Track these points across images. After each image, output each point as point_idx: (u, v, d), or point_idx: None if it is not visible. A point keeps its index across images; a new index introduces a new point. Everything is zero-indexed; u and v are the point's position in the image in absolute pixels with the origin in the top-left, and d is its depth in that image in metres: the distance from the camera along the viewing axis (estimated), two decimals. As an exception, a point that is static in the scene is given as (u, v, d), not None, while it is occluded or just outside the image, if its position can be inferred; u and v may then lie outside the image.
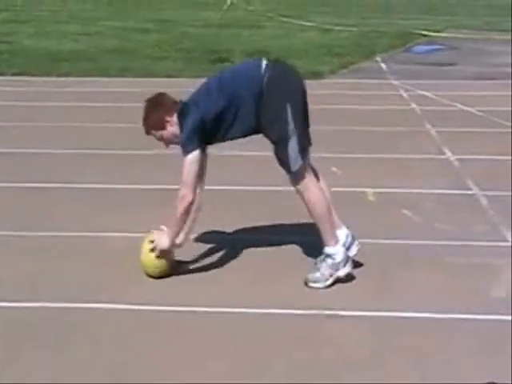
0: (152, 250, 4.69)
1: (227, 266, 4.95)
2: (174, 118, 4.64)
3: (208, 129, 4.57)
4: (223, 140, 4.75)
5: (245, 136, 4.76)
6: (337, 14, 21.83)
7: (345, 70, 13.03)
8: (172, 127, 4.66)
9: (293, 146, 4.52)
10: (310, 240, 5.05)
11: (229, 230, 5.54)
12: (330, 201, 4.80)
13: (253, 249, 5.20)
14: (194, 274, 4.83)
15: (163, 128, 4.67)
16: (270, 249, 5.21)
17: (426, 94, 10.74)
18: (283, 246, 5.24)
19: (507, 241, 5.38)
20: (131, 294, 4.53)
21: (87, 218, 5.81)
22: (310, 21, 19.13)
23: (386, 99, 10.48)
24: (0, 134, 8.50)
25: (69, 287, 4.62)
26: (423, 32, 17.43)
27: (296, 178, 4.59)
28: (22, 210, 6.03)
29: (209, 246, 5.24)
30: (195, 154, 4.53)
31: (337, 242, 4.67)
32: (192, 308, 4.36)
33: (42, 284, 4.68)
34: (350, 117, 9.22)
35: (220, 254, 5.14)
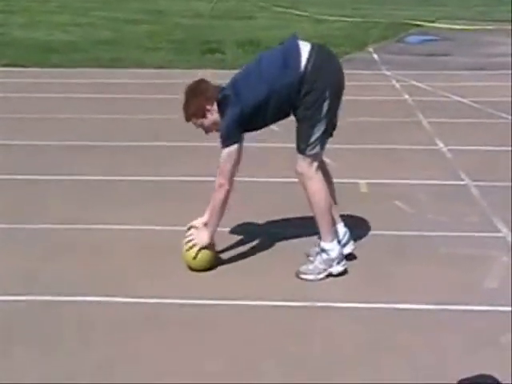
0: (191, 247, 4.64)
1: (217, 258, 4.93)
2: (215, 107, 4.61)
3: (247, 119, 4.54)
4: (260, 128, 4.73)
5: (277, 121, 4.72)
6: (330, 4, 21.77)
7: (337, 61, 13.00)
8: (212, 116, 4.63)
9: (318, 130, 4.50)
10: (305, 233, 5.05)
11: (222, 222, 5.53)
12: (333, 197, 4.78)
13: (243, 241, 5.18)
14: (184, 267, 4.81)
15: (204, 116, 4.64)
16: (260, 241, 5.19)
17: (419, 84, 10.72)
18: (275, 238, 5.22)
19: (499, 231, 5.37)
20: (126, 288, 4.52)
21: (80, 210, 5.78)
22: (303, 11, 19.10)
23: (378, 90, 10.47)
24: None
25: (61, 281, 4.60)
26: (416, 22, 17.40)
27: (305, 162, 4.55)
28: (13, 202, 6.00)
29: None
30: (235, 148, 4.53)
31: (333, 238, 4.65)
32: (183, 301, 4.35)
33: (33, 277, 4.65)
34: (343, 107, 9.16)
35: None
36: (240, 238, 5.22)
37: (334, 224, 4.72)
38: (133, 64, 12.26)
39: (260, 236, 5.25)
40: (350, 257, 4.82)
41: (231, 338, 3.96)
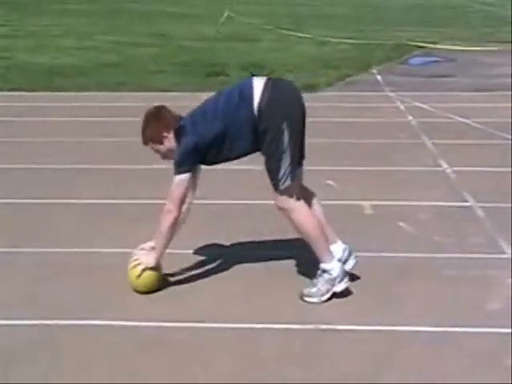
0: (137, 266, 4.68)
1: (218, 280, 4.95)
2: (172, 135, 4.67)
3: (203, 152, 4.61)
4: (217, 162, 4.79)
5: (239, 158, 4.78)
6: (333, 26, 21.87)
7: (341, 83, 13.03)
8: (169, 143, 4.69)
9: (285, 164, 4.53)
10: (303, 255, 5.04)
11: (219, 244, 5.54)
12: (322, 217, 4.79)
13: (243, 263, 5.19)
14: (183, 288, 4.82)
15: (161, 142, 4.70)
16: (260, 263, 5.20)
17: (423, 105, 10.74)
18: (274, 261, 5.23)
19: (504, 253, 5.36)
20: (129, 312, 4.52)
21: (85, 233, 5.79)
22: (307, 33, 19.18)
23: (382, 111, 10.48)
24: (-4, 149, 8.48)
25: (64, 304, 4.61)
26: (419, 44, 17.45)
27: (283, 196, 4.59)
28: (19, 226, 6.01)
29: (197, 259, 5.24)
30: (186, 176, 4.59)
31: (332, 257, 4.65)
32: (184, 324, 4.35)
33: (35, 301, 4.66)
34: (347, 129, 9.22)
35: (210, 268, 5.14)
36: (234, 259, 5.22)
37: (330, 243, 4.73)
38: (137, 87, 12.32)
39: (255, 258, 5.25)
40: (353, 277, 4.81)
41: (233, 362, 3.95)
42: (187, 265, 5.14)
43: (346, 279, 4.64)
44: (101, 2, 30.74)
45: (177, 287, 4.85)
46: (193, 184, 4.74)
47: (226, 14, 20.61)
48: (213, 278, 4.99)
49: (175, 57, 15.79)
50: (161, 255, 4.72)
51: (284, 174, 4.53)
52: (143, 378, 3.80)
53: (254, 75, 4.74)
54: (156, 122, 4.69)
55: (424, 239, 5.65)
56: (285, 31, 19.60)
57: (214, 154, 4.65)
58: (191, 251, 5.37)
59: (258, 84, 4.59)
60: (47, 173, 7.52)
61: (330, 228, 4.84)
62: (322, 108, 10.65)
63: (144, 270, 4.67)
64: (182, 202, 4.64)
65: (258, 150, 4.69)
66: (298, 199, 4.62)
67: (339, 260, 4.71)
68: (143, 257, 4.72)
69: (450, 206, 6.44)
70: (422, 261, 5.27)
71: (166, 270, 4.88)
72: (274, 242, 5.55)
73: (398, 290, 4.80)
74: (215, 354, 4.02)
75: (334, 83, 12.91)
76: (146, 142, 4.76)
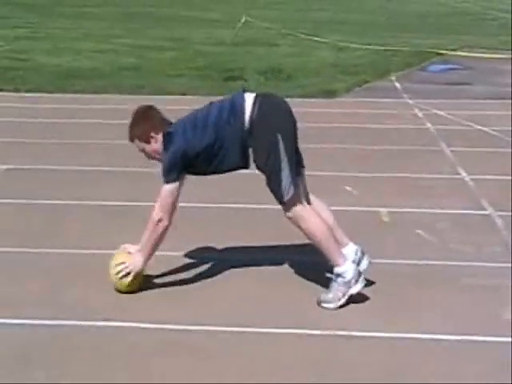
0: (127, 275, 4.69)
1: (236, 284, 4.95)
2: (160, 136, 4.69)
3: (191, 162, 4.62)
4: (206, 173, 4.81)
5: (229, 171, 4.79)
6: (350, 32, 21.83)
7: (359, 89, 13.00)
8: (156, 144, 4.71)
9: (285, 177, 4.53)
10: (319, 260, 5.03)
11: (234, 247, 5.52)
12: (332, 221, 4.79)
13: (259, 267, 5.18)
14: (200, 291, 4.82)
15: (147, 141, 4.73)
16: (276, 268, 5.19)
17: (441, 113, 10.69)
18: (290, 266, 5.21)
19: (523, 262, 5.32)
20: (142, 313, 4.52)
21: (101, 234, 5.79)
22: (325, 39, 19.15)
23: (400, 118, 10.44)
24: (15, 150, 8.51)
25: (80, 305, 4.61)
26: (439, 51, 17.38)
27: (289, 207, 4.59)
28: (35, 226, 6.02)
29: (213, 263, 5.23)
30: (175, 185, 4.61)
31: (345, 260, 4.63)
32: (200, 327, 4.34)
33: (50, 302, 4.67)
34: (365, 136, 9.19)
35: (228, 271, 5.13)
36: (250, 263, 5.21)
37: (342, 246, 4.73)
38: (156, 91, 12.33)
39: (272, 262, 5.25)
40: (370, 284, 4.79)
41: (249, 366, 3.93)
42: (204, 269, 5.13)
43: (361, 280, 4.62)
44: (119, 6, 30.83)
45: (195, 290, 4.84)
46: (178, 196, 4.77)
47: (243, 19, 20.61)
48: (231, 281, 4.99)
49: (193, 61, 15.80)
50: (147, 261, 4.74)
51: (286, 185, 4.54)
52: (159, 379, 3.79)
53: (245, 90, 4.75)
54: (143, 121, 4.73)
55: (441, 247, 5.62)
56: (303, 36, 19.57)
57: (202, 165, 4.68)
58: (207, 254, 5.38)
59: (249, 99, 4.63)
60: (63, 174, 7.53)
61: (340, 231, 4.84)
62: (339, 114, 10.64)
63: (134, 277, 4.68)
64: (173, 210, 4.68)
65: (245, 168, 4.73)
66: (305, 206, 4.63)
67: (353, 262, 4.70)
68: (131, 264, 4.70)
69: (468, 214, 6.40)
70: (440, 269, 5.24)
71: (184, 273, 4.87)
72: (287, 246, 5.53)
73: (414, 297, 4.78)
74: (231, 358, 4.01)
75: (351, 89, 12.88)
76: (131, 139, 4.80)
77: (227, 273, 5.11)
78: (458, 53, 17.37)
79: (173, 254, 5.32)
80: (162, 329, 4.32)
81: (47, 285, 4.90)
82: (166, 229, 4.67)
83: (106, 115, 10.31)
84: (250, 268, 5.17)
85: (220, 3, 33.24)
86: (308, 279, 4.99)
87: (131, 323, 4.38)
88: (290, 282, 4.98)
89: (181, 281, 4.98)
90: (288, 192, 4.54)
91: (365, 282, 4.64)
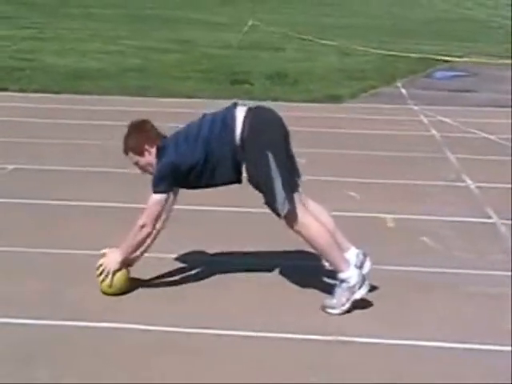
0: (101, 272, 4.74)
1: (237, 288, 4.94)
2: (154, 150, 4.73)
3: (183, 174, 4.64)
4: (202, 187, 4.82)
5: (223, 185, 4.81)
6: (356, 37, 21.83)
7: (365, 95, 13.01)
8: (149, 156, 4.76)
9: (279, 192, 4.53)
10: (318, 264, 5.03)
11: (238, 251, 5.52)
12: (333, 226, 4.79)
13: (258, 272, 5.17)
14: (202, 293, 4.82)
15: (141, 154, 4.78)
16: (275, 272, 5.18)
17: (446, 120, 10.69)
18: (289, 271, 5.20)
19: (527, 271, 5.31)
20: (143, 314, 4.51)
21: (104, 235, 5.79)
22: (331, 40, 19.16)
23: (405, 125, 10.44)
24: (19, 150, 8.52)
25: (81, 306, 4.62)
26: (444, 58, 17.39)
27: (288, 219, 4.60)
28: (38, 226, 6.03)
29: (216, 266, 5.23)
30: (163, 196, 4.64)
31: (348, 265, 4.63)
32: (201, 330, 4.33)
33: (54, 302, 4.67)
34: (370, 141, 9.19)
35: (229, 275, 5.12)
36: (252, 268, 5.21)
37: (344, 251, 4.72)
38: (161, 93, 12.34)
39: (274, 266, 5.24)
40: (373, 290, 4.78)
41: (249, 370, 3.93)
42: (205, 271, 5.14)
43: (365, 285, 4.61)
44: (125, 7, 30.89)
45: (197, 292, 4.84)
46: (170, 205, 4.82)
47: (250, 23, 20.64)
48: (231, 284, 4.99)
49: (199, 63, 15.82)
50: (125, 262, 4.77)
51: (281, 201, 4.53)
52: (159, 380, 3.79)
53: (236, 105, 4.74)
54: (138, 134, 4.78)
55: (445, 254, 5.61)
56: (310, 38, 19.58)
57: (194, 179, 4.69)
58: (208, 257, 5.39)
59: (240, 113, 4.62)
60: (68, 174, 7.55)
61: (341, 235, 4.84)
62: (345, 119, 10.64)
63: (113, 275, 4.71)
64: (157, 219, 4.71)
65: (238, 182, 4.74)
66: (305, 214, 4.63)
67: (355, 266, 4.69)
68: (106, 263, 4.74)
69: (472, 222, 6.39)
70: (444, 276, 5.23)
71: (185, 276, 4.86)
72: (289, 251, 5.53)
73: (417, 304, 4.77)
74: (230, 362, 4.00)
75: (357, 95, 12.88)
76: (126, 151, 4.84)
77: (227, 276, 5.11)
78: (465, 59, 17.37)
79: (173, 256, 5.35)
80: (163, 331, 4.31)
81: (48, 285, 4.90)
82: (148, 235, 4.72)
83: (112, 116, 10.31)
84: (250, 271, 5.16)
85: (226, 6, 33.31)
86: (308, 283, 4.98)
87: (130, 324, 4.37)
88: (289, 286, 4.97)
89: (182, 283, 4.98)
90: (284, 208, 4.54)
91: (369, 287, 4.63)
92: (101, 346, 4.14)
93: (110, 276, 4.72)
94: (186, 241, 5.64)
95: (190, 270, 5.18)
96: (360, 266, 4.75)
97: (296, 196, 4.66)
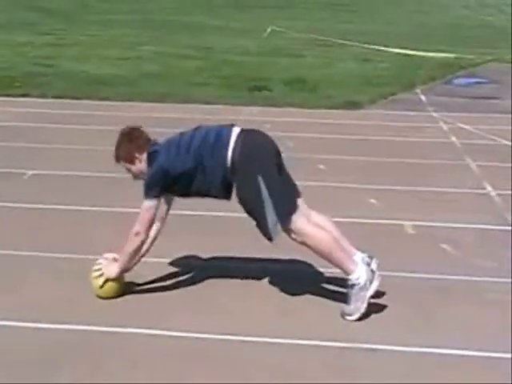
0: (100, 275, 4.80)
1: (258, 296, 4.93)
2: (144, 156, 4.76)
3: (172, 181, 4.66)
4: (191, 196, 4.83)
5: (210, 197, 4.80)
6: (378, 43, 21.78)
7: (384, 101, 12.97)
8: (140, 164, 4.79)
9: (270, 216, 4.53)
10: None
11: (254, 258, 5.52)
12: (336, 231, 4.79)
13: (276, 278, 5.16)
14: (224, 302, 4.81)
15: (132, 162, 4.81)
16: (285, 278, 5.17)
17: (466, 127, 10.64)
18: (307, 278, 5.19)
19: (548, 279, 5.27)
20: (168, 321, 4.52)
21: (119, 242, 5.79)
22: (351, 45, 19.13)
23: (425, 131, 10.40)
24: (40, 155, 8.56)
25: (103, 311, 4.63)
26: (464, 64, 17.32)
27: (289, 233, 4.61)
28: (60, 232, 6.05)
29: (239, 275, 5.23)
30: (154, 202, 4.67)
31: (356, 264, 4.63)
32: (225, 337, 4.33)
33: (77, 307, 4.69)
34: (389, 148, 9.16)
35: (251, 283, 5.12)
36: (265, 274, 5.20)
37: (350, 256, 4.70)
38: (181, 99, 12.36)
39: (286, 273, 5.21)
40: (392, 297, 4.76)
41: (274, 377, 3.91)
42: (229, 279, 5.14)
43: (375, 278, 4.60)
44: (144, 13, 31.00)
45: (219, 301, 4.84)
46: (163, 211, 4.87)
47: (269, 29, 20.65)
48: (253, 293, 4.98)
49: (218, 70, 15.84)
50: (123, 271, 4.82)
51: (272, 225, 4.53)
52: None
53: (233, 125, 4.73)
54: (128, 142, 4.82)
55: (466, 262, 5.58)
56: (333, 41, 19.56)
57: (183, 186, 4.70)
58: (225, 264, 5.38)
59: (233, 136, 4.62)
60: (85, 180, 7.56)
61: (346, 241, 4.82)
62: (364, 126, 10.61)
63: (106, 281, 4.77)
64: (151, 225, 4.74)
65: (227, 198, 4.73)
66: (307, 226, 4.62)
67: (362, 263, 4.67)
68: (105, 268, 4.81)
69: (493, 230, 6.35)
70: (464, 283, 5.20)
71: (211, 284, 4.87)
72: (290, 256, 5.52)
73: (437, 312, 4.75)
74: (254, 368, 4.00)
75: (376, 101, 12.85)
76: (117, 160, 4.88)
77: (230, 281, 5.12)
78: (485, 66, 17.29)
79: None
80: (187, 337, 4.31)
81: (71, 289, 4.93)
82: (142, 242, 4.75)
83: (131, 123, 10.31)
84: (249, 277, 5.16)
85: (245, 13, 33.35)
86: (309, 289, 4.97)
87: (156, 331, 4.38)
88: (306, 293, 4.96)
89: (191, 287, 5.01)
90: (275, 232, 4.56)
91: (379, 279, 4.61)
92: (124, 352, 4.14)
93: (102, 278, 4.77)
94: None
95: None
96: (367, 265, 4.73)
97: (298, 208, 4.65)
